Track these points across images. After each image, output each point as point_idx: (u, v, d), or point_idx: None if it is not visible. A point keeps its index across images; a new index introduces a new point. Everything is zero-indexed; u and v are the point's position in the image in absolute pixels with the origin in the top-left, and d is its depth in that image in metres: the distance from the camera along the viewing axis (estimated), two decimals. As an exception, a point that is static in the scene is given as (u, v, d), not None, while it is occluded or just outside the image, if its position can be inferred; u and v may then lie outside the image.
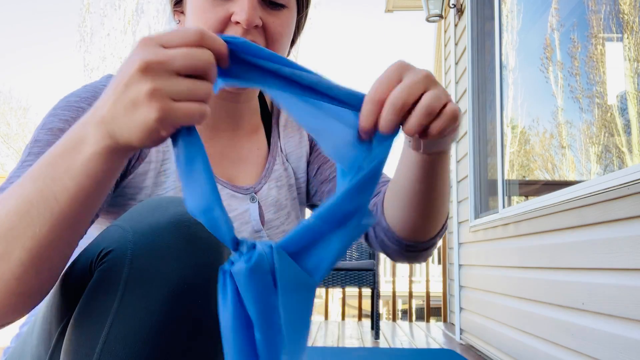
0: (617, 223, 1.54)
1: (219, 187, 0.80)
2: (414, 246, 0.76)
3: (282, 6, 0.75)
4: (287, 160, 0.90)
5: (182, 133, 0.47)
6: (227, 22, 0.71)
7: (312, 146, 0.92)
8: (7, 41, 28.50)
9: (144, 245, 0.55)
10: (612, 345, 1.54)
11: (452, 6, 3.87)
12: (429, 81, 0.52)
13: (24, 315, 0.57)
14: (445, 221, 0.78)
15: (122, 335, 0.52)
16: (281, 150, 0.90)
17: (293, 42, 0.85)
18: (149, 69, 0.45)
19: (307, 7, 0.82)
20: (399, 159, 0.71)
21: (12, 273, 0.50)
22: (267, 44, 0.74)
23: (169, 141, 0.50)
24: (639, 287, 1.41)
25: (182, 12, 0.80)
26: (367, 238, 0.83)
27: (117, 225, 0.58)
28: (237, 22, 0.71)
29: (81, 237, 0.55)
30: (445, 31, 4.37)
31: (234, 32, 0.71)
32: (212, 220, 0.46)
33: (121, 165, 0.51)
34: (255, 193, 0.83)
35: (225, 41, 0.49)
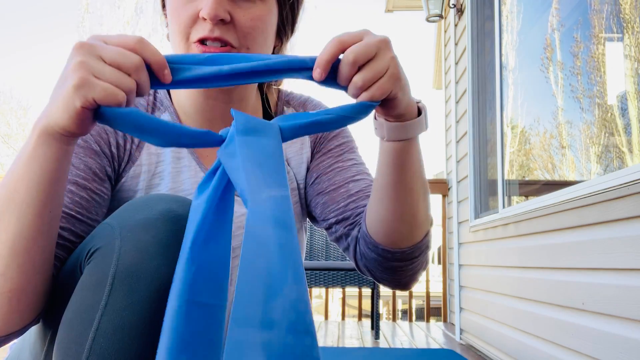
0: (617, 223, 1.54)
1: None
2: (390, 253, 0.75)
3: None
4: (288, 164, 0.89)
5: (108, 111, 0.50)
6: (196, 19, 0.71)
7: (314, 153, 0.90)
8: (7, 41, 28.48)
9: (131, 241, 0.55)
10: (612, 345, 1.54)
11: (452, 6, 3.87)
12: (383, 44, 0.58)
13: (23, 324, 0.57)
14: (426, 233, 0.78)
15: (111, 331, 0.53)
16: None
17: (286, 36, 0.83)
18: (82, 47, 0.51)
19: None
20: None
21: None
22: (238, 39, 0.72)
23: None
24: (638, 287, 1.41)
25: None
26: (355, 259, 0.83)
27: (106, 223, 0.59)
28: (205, 19, 0.70)
29: (55, 230, 0.58)
30: (445, 31, 4.37)
31: (202, 28, 0.71)
32: (195, 141, 0.53)
33: (65, 152, 0.54)
34: None
35: (167, 58, 0.54)
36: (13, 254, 0.54)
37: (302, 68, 0.58)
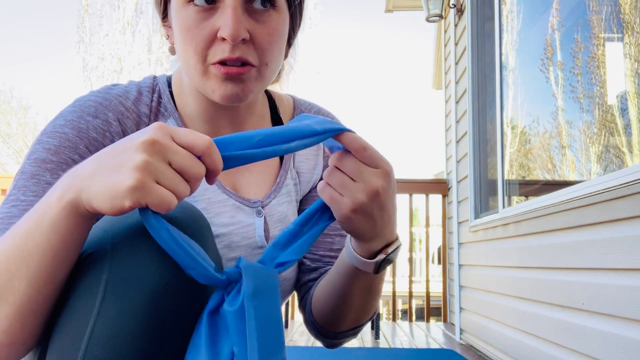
0: (617, 223, 1.54)
1: (225, 197, 0.79)
2: (324, 332, 0.83)
3: (269, 6, 0.70)
4: (298, 177, 0.89)
5: (149, 215, 0.50)
6: (213, 39, 0.69)
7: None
8: (7, 41, 28.49)
9: (123, 246, 0.54)
10: (612, 345, 1.54)
11: (452, 6, 3.87)
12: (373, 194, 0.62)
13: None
14: (359, 325, 0.83)
15: (105, 337, 0.52)
16: (293, 166, 0.88)
17: (290, 43, 0.82)
18: (153, 145, 0.49)
19: (299, 2, 0.77)
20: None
21: None
22: (258, 57, 0.70)
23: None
24: (638, 287, 1.41)
25: (170, 27, 0.77)
26: (303, 313, 0.88)
27: (97, 227, 0.58)
28: (224, 39, 0.68)
29: (62, 289, 0.56)
30: (445, 31, 4.37)
31: (221, 49, 0.68)
32: (201, 277, 0.53)
33: (89, 226, 0.53)
34: (262, 207, 0.82)
35: (223, 156, 0.54)
36: (19, 316, 0.52)
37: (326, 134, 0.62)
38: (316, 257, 0.87)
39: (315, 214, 0.64)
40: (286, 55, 0.82)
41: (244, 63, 0.69)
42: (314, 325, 0.84)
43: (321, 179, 0.90)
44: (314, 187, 0.91)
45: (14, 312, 0.52)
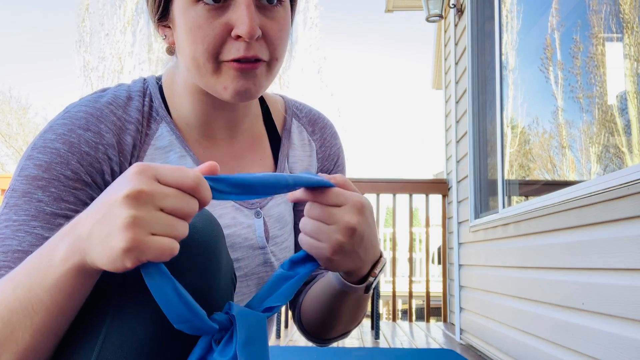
0: (617, 223, 1.54)
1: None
2: (313, 338, 0.86)
3: (277, 2, 0.70)
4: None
5: (150, 267, 0.48)
6: (226, 37, 0.68)
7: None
8: (6, 41, 28.50)
9: (130, 273, 0.53)
10: (612, 345, 1.54)
11: (452, 6, 3.87)
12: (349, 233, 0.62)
13: None
14: (348, 331, 0.85)
15: (117, 345, 0.52)
16: (287, 167, 0.88)
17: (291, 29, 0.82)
18: (139, 196, 0.46)
19: None
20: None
21: None
22: (269, 52, 0.70)
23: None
24: (638, 287, 1.41)
25: (168, 27, 0.75)
26: (294, 316, 0.90)
27: None
28: (238, 36, 0.67)
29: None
30: (445, 31, 4.37)
31: (236, 48, 0.67)
32: (193, 329, 0.51)
33: (93, 282, 0.52)
34: (260, 208, 0.82)
35: (211, 187, 0.52)
36: None
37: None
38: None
39: (301, 260, 0.65)
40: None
41: (257, 59, 0.69)
42: (303, 331, 0.87)
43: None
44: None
45: (19, 359, 0.52)
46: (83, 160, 0.69)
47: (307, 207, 0.63)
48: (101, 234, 0.47)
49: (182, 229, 0.49)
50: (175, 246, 0.48)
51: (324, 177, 0.63)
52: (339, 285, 0.70)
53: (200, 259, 0.56)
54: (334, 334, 0.83)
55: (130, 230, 0.46)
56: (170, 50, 0.77)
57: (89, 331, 0.53)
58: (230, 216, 0.79)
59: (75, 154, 0.68)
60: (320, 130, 0.92)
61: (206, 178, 0.52)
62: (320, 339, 0.85)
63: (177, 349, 0.55)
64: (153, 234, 0.47)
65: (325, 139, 0.93)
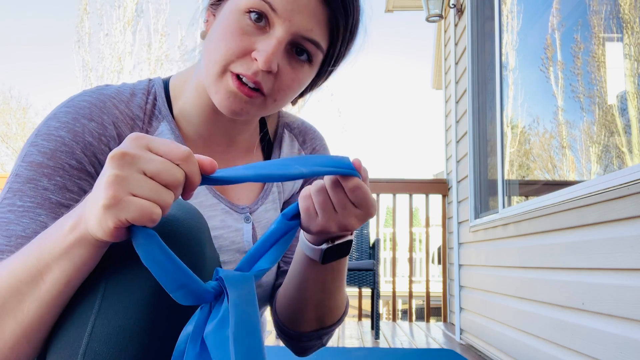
0: (617, 223, 1.54)
1: (215, 201, 0.80)
2: (286, 331, 0.83)
3: (307, 59, 0.72)
4: (281, 184, 0.91)
5: (139, 235, 0.49)
6: (247, 54, 0.69)
7: (303, 185, 0.93)
8: (6, 41, 28.49)
9: (124, 243, 0.54)
10: (612, 345, 1.53)
11: (452, 6, 3.87)
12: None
13: None
14: (322, 328, 0.83)
15: (105, 335, 0.52)
16: None
17: (303, 94, 0.83)
18: (122, 158, 0.48)
19: (332, 65, 0.78)
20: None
21: (5, 343, 0.54)
22: (272, 91, 0.71)
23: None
24: (639, 287, 1.41)
25: (213, 15, 0.76)
26: (271, 302, 0.89)
27: None
28: (255, 59, 0.68)
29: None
30: (445, 31, 4.37)
31: (247, 65, 0.69)
32: (190, 294, 0.52)
33: (100, 253, 0.53)
34: (250, 213, 0.83)
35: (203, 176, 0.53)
36: (26, 333, 0.54)
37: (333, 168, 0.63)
38: (288, 260, 0.89)
39: (289, 216, 0.65)
40: (294, 102, 0.84)
41: (257, 89, 0.70)
42: (279, 324, 0.85)
43: (303, 185, 0.92)
44: (296, 193, 0.92)
45: (22, 330, 0.54)
46: (87, 150, 0.69)
47: (333, 183, 0.63)
48: (92, 197, 0.50)
49: (165, 196, 0.49)
50: (157, 211, 0.48)
51: (353, 163, 0.63)
52: (300, 245, 0.72)
53: (183, 251, 0.56)
54: (305, 324, 0.81)
55: (110, 188, 0.47)
56: (204, 35, 0.78)
57: (76, 323, 0.54)
58: (219, 219, 0.79)
59: (79, 143, 0.69)
60: (310, 140, 0.94)
61: (203, 176, 0.53)
62: (293, 331, 0.83)
63: (168, 336, 0.55)
64: (134, 195, 0.47)
65: (315, 149, 0.95)
